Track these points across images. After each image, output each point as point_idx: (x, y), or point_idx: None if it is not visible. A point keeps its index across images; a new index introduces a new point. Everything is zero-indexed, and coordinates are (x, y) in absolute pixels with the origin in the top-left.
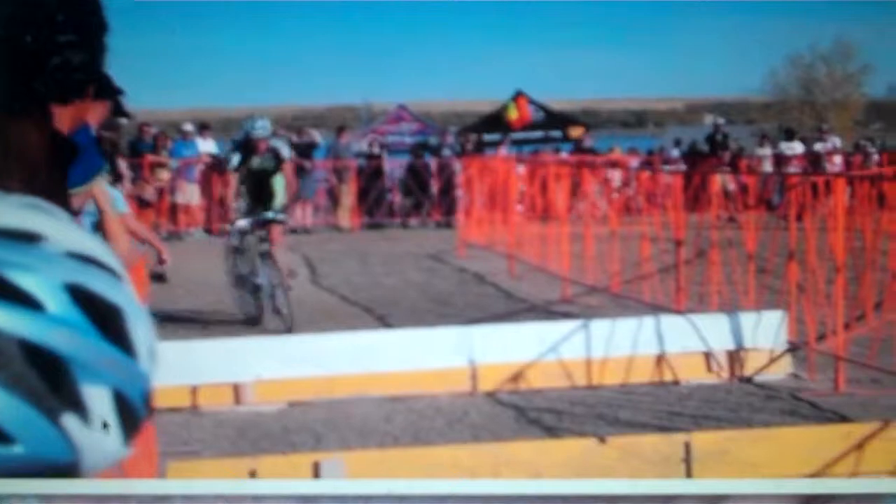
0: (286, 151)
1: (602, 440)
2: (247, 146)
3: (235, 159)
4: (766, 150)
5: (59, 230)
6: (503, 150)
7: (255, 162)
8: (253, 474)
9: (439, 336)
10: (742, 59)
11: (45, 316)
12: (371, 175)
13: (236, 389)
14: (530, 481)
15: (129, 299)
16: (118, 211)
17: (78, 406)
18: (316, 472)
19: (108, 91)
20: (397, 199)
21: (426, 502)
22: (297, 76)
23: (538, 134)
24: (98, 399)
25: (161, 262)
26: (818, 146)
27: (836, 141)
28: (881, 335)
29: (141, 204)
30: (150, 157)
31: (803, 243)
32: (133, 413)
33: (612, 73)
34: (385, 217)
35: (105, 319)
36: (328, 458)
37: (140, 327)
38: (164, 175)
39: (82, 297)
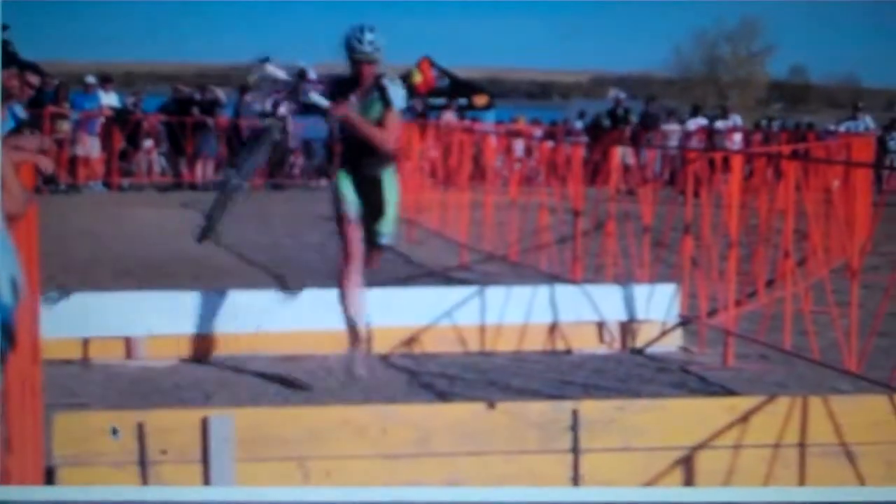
0: (399, 96)
1: (491, 405)
2: (340, 81)
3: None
4: (701, 121)
5: None
6: (449, 116)
7: (351, 105)
8: (140, 427)
9: (333, 297)
10: (647, 34)
11: None
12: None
13: (128, 343)
14: (527, 489)
15: None
16: None
17: None
18: (204, 427)
19: None
20: (300, 160)
21: None
22: (201, 33)
23: (442, 101)
24: None
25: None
26: (719, 123)
27: (737, 119)
28: (771, 312)
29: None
30: (52, 108)
31: (699, 218)
32: None
33: (520, 44)
34: (287, 178)
35: None
36: (217, 414)
37: (2, 259)
38: (65, 126)
39: None
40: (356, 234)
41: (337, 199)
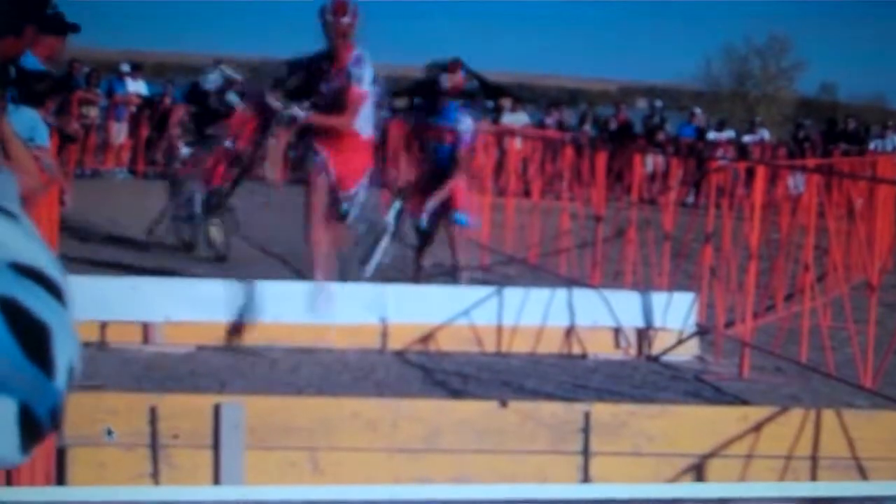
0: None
1: (503, 404)
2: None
3: None
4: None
5: (12, 238)
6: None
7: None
8: (153, 411)
9: (352, 291)
10: (677, 46)
11: None
12: (300, 130)
13: (145, 329)
14: (536, 486)
15: (61, 318)
16: (36, 143)
17: None
18: (216, 414)
19: None
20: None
21: None
22: (232, 27)
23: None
24: (2, 409)
25: (61, 202)
26: (747, 138)
27: (764, 133)
28: (788, 325)
29: (64, 138)
30: (81, 93)
31: (720, 229)
32: (36, 426)
33: (549, 51)
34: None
35: (30, 336)
36: (229, 402)
37: (64, 346)
38: (92, 112)
39: (12, 312)
40: None
41: None
